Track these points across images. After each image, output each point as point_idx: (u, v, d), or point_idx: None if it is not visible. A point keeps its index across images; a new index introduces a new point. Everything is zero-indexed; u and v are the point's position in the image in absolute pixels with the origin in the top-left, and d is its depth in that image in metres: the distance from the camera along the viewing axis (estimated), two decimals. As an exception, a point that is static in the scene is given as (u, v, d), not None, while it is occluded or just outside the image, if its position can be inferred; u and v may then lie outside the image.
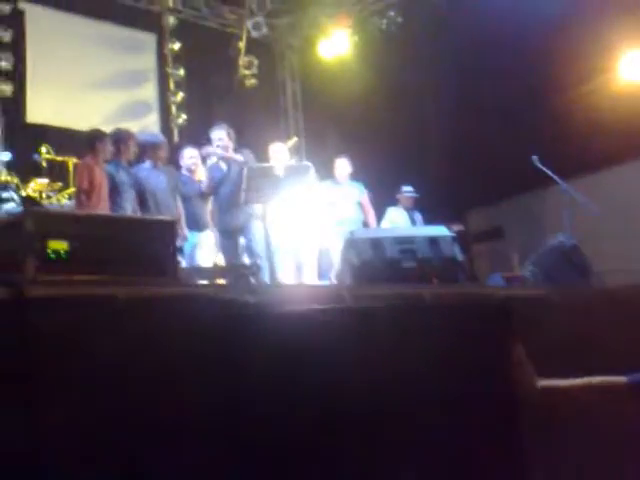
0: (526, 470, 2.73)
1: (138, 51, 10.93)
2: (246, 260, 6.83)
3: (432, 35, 9.89)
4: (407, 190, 8.81)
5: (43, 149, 7.81)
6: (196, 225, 6.89)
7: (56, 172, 7.88)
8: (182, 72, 10.86)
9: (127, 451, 2.06)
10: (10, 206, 6.71)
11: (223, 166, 6.82)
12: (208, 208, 7.12)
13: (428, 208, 8.85)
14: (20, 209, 6.48)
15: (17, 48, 9.24)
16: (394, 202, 8.79)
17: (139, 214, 6.21)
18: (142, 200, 6.44)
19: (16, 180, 7.50)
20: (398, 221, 8.56)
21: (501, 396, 2.67)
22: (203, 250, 6.91)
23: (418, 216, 8.74)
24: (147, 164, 6.71)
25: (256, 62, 11.18)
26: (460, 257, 4.36)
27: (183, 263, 6.32)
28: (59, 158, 7.91)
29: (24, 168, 7.93)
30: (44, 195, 7.59)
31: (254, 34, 11.04)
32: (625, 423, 2.57)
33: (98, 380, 2.06)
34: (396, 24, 10.74)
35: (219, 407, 2.23)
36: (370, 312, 2.61)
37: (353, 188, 7.94)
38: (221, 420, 2.23)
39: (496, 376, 2.68)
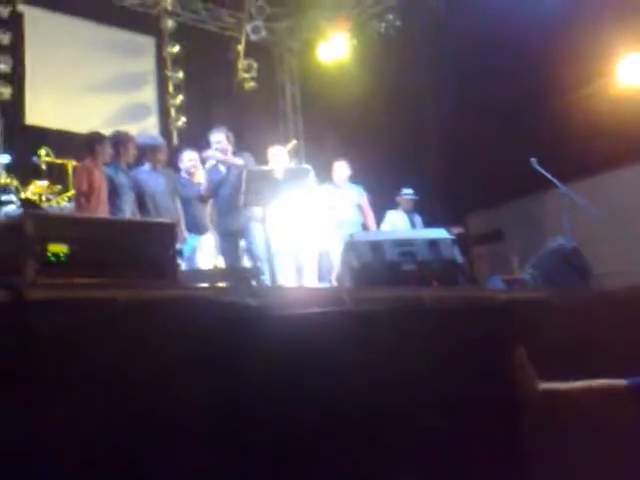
0: (527, 472, 2.73)
1: (137, 54, 10.95)
2: (247, 263, 6.83)
3: (431, 38, 9.91)
4: (407, 193, 8.81)
5: (42, 152, 7.81)
6: (196, 228, 6.89)
7: (55, 175, 7.88)
8: (181, 75, 10.88)
9: (127, 454, 2.06)
10: (10, 209, 6.70)
11: (222, 168, 6.82)
12: (208, 211, 7.12)
13: (428, 211, 8.86)
14: (20, 212, 6.48)
15: (16, 51, 9.26)
16: (394, 205, 8.79)
17: (138, 217, 6.21)
18: (141, 203, 6.44)
19: (16, 183, 7.51)
20: (398, 224, 8.56)
21: (502, 399, 2.67)
22: (203, 253, 6.91)
23: (418, 219, 8.74)
24: (146, 167, 6.71)
25: (255, 65, 11.21)
26: (460, 260, 4.36)
27: (183, 266, 6.32)
28: (58, 161, 7.92)
29: (23, 171, 7.93)
30: (44, 198, 7.59)
31: (253, 37, 11.05)
32: (625, 426, 2.57)
33: (98, 382, 2.05)
34: (395, 27, 10.76)
35: (219, 410, 2.22)
36: (370, 315, 2.60)
37: (352, 191, 7.95)
38: (221, 423, 2.23)
39: (497, 379, 2.68)
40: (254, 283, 5.38)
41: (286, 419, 2.31)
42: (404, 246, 4.16)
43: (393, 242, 4.19)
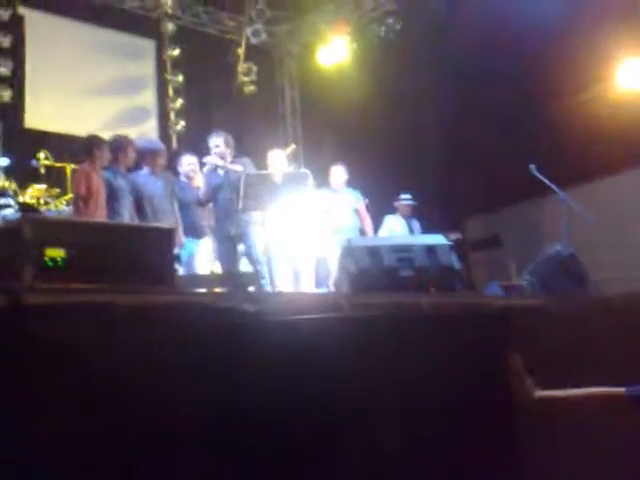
0: (523, 478, 2.73)
1: (137, 57, 10.95)
2: (245, 267, 6.82)
3: (431, 42, 9.91)
4: (405, 198, 8.80)
5: (41, 155, 7.81)
6: (194, 232, 6.88)
7: (54, 178, 7.88)
8: (181, 78, 10.87)
9: (124, 460, 2.06)
10: (8, 212, 6.70)
11: (220, 172, 6.81)
12: (206, 215, 7.10)
13: (426, 216, 8.86)
14: (18, 216, 6.47)
15: (16, 53, 9.25)
16: (392, 210, 8.79)
17: (136, 221, 6.21)
18: (139, 206, 6.43)
19: (14, 186, 7.50)
20: (396, 229, 8.55)
21: (499, 405, 2.67)
22: (201, 257, 6.90)
23: (416, 224, 8.73)
24: (145, 170, 6.69)
25: (255, 69, 11.20)
26: (457, 266, 4.36)
27: (181, 270, 6.32)
28: (57, 164, 7.92)
29: (22, 174, 7.93)
30: (42, 201, 7.59)
31: (253, 41, 11.05)
32: (623, 434, 2.57)
33: (95, 387, 2.05)
34: (394, 31, 10.74)
35: (217, 416, 2.22)
36: (368, 321, 2.60)
37: (349, 195, 7.93)
38: (219, 429, 2.23)
39: (494, 385, 2.68)
40: (251, 288, 5.39)
41: (284, 425, 2.31)
42: (402, 252, 4.16)
43: (391, 248, 4.19)
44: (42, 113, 9.32)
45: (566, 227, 6.63)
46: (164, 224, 5.66)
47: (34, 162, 7.79)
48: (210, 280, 5.91)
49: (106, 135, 6.61)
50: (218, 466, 2.20)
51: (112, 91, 10.18)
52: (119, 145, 6.44)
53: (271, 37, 11.68)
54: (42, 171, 7.77)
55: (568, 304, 3.49)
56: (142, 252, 2.82)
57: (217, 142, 6.79)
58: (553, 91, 8.68)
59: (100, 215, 5.95)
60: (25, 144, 8.68)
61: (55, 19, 9.80)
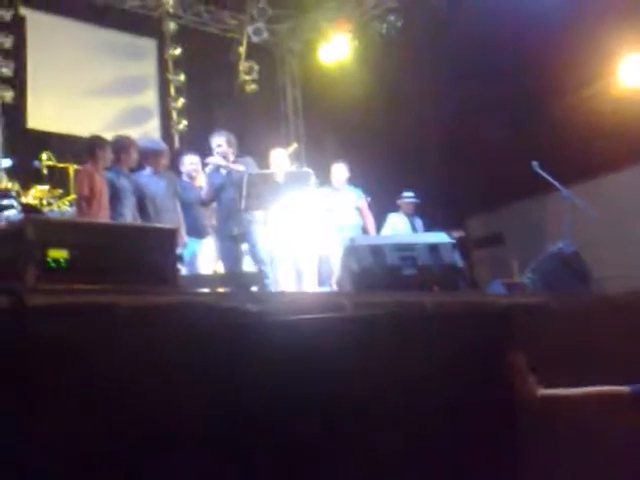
0: (526, 477, 2.73)
1: (139, 57, 10.96)
2: (249, 266, 6.82)
3: (432, 40, 9.89)
4: (408, 196, 8.79)
5: (44, 155, 7.82)
6: (196, 232, 6.87)
7: (57, 179, 7.89)
8: (182, 78, 10.88)
9: (125, 461, 2.06)
10: (11, 213, 6.70)
11: (223, 171, 6.80)
12: (209, 215, 7.10)
13: (429, 214, 8.85)
14: (20, 216, 6.48)
15: (18, 54, 9.27)
16: (395, 208, 8.78)
17: (139, 221, 6.21)
18: (142, 207, 6.43)
19: (17, 187, 7.50)
20: (399, 227, 8.54)
21: (502, 404, 2.67)
22: (204, 257, 6.90)
23: (419, 222, 8.72)
24: (147, 170, 6.69)
25: (256, 67, 11.21)
26: (460, 264, 4.35)
27: (183, 271, 6.31)
28: (60, 165, 7.92)
29: (25, 174, 7.93)
30: (45, 202, 7.59)
31: (254, 39, 11.05)
32: (627, 433, 2.56)
33: (98, 388, 2.05)
34: (396, 28, 10.74)
35: (219, 416, 2.22)
36: (371, 320, 2.60)
37: (351, 193, 7.92)
38: (221, 429, 2.23)
39: (496, 384, 2.68)
40: (254, 288, 5.39)
41: (286, 425, 2.31)
42: (405, 250, 4.16)
43: (394, 246, 4.18)
44: (44, 114, 9.33)
45: (569, 225, 6.61)
46: (167, 224, 5.66)
47: (36, 163, 7.79)
48: (213, 280, 5.91)
49: (108, 135, 6.61)
50: (220, 466, 2.20)
51: (114, 91, 10.19)
52: (122, 145, 6.44)
53: (272, 35, 11.68)
54: (45, 172, 7.78)
55: (571, 302, 3.49)
56: (145, 252, 2.82)
57: (219, 142, 6.78)
58: (555, 88, 8.67)
59: (103, 216, 5.95)
60: (27, 145, 8.69)
61: (56, 19, 9.81)
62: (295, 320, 2.44)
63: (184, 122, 10.75)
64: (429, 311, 2.80)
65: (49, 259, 2.56)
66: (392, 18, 10.76)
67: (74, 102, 9.62)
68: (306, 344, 2.39)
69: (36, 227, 2.59)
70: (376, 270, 4.08)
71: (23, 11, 9.41)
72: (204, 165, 7.07)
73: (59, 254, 2.58)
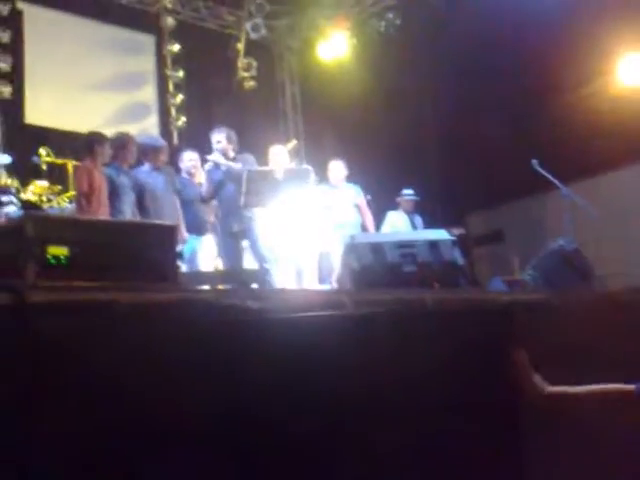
0: (528, 476, 2.73)
1: (137, 52, 10.93)
2: (250, 263, 6.81)
3: (431, 37, 9.90)
4: (408, 193, 8.79)
5: (42, 151, 7.79)
6: (196, 229, 6.86)
7: (56, 175, 7.87)
8: (181, 74, 10.86)
9: (125, 459, 2.05)
10: (10, 210, 6.68)
11: (222, 168, 6.78)
12: (209, 212, 7.09)
13: (428, 211, 8.85)
14: (20, 213, 6.46)
15: (15, 49, 9.24)
16: (394, 206, 8.78)
17: (138, 217, 6.20)
18: (141, 203, 6.42)
19: (16, 183, 7.48)
20: (399, 225, 8.54)
21: (504, 402, 2.66)
22: (204, 254, 6.89)
23: (419, 220, 8.72)
24: (146, 167, 6.69)
25: (255, 64, 11.19)
26: (461, 261, 4.35)
27: (183, 267, 6.31)
28: (59, 161, 7.90)
29: (24, 171, 7.91)
30: (44, 198, 7.56)
31: (253, 36, 11.05)
32: (632, 432, 2.55)
33: (97, 386, 2.04)
34: (394, 26, 10.74)
35: (219, 413, 2.22)
36: (371, 317, 2.59)
37: (350, 191, 7.91)
38: (221, 426, 2.22)
39: (498, 382, 2.67)
40: (255, 285, 5.38)
41: (286, 423, 2.31)
42: (405, 247, 4.15)
43: (394, 244, 4.17)
44: (42, 109, 9.30)
45: (569, 222, 6.62)
46: (166, 220, 5.65)
47: (35, 159, 7.77)
48: (213, 277, 5.90)
49: (107, 131, 6.61)
50: (221, 464, 2.20)
51: (112, 87, 10.16)
52: (120, 142, 6.44)
53: (271, 32, 11.68)
54: (44, 167, 7.76)
55: (571, 299, 3.48)
56: (144, 249, 2.81)
57: (219, 138, 6.78)
58: (554, 86, 8.68)
59: (103, 212, 5.95)
60: (26, 140, 8.65)
61: (54, 14, 9.78)
62: (295, 318, 2.43)
63: (183, 118, 10.73)
64: (430, 308, 2.79)
65: (49, 256, 2.55)
66: (391, 16, 10.76)
67: (72, 97, 9.59)
68: (306, 342, 2.38)
69: (36, 224, 2.58)
70: (376, 267, 4.07)
71: (21, 5, 9.38)
72: (203, 162, 7.06)
73: (59, 251, 2.57)
